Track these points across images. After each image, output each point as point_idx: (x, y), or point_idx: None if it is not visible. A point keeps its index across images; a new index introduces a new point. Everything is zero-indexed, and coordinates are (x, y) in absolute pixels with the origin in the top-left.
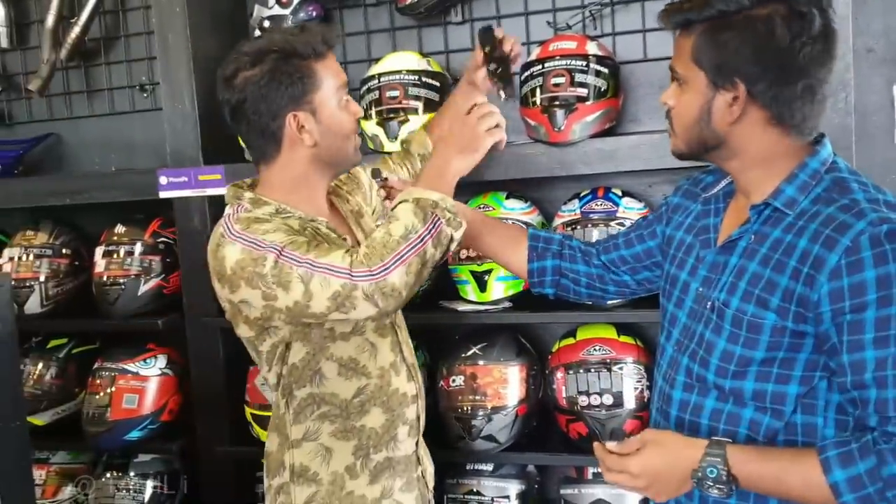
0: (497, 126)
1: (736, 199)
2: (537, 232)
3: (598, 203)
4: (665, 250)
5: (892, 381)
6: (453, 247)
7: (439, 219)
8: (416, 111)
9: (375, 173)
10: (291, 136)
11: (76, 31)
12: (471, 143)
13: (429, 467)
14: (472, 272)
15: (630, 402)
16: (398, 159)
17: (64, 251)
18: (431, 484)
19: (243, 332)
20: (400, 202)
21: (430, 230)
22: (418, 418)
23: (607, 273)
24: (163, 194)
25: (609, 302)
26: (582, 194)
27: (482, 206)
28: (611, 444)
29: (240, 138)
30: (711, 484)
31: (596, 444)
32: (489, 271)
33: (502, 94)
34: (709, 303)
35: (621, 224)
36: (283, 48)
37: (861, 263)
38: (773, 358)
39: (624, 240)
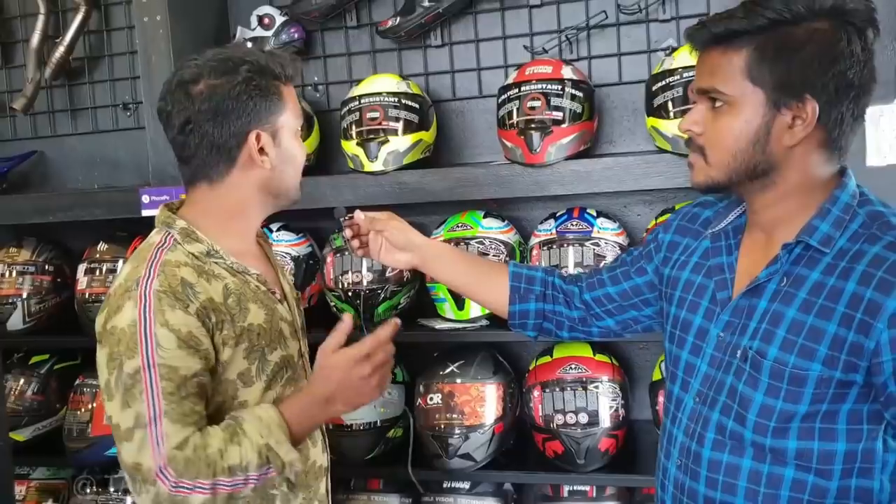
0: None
1: (750, 235)
2: (519, 270)
3: (574, 223)
4: (666, 291)
5: None
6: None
7: (271, 468)
8: (395, 132)
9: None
10: (249, 155)
11: (61, 50)
12: (357, 399)
13: None
14: (451, 290)
15: (605, 421)
16: None
17: (47, 268)
18: None
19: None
20: (260, 422)
21: (259, 478)
22: (327, 493)
23: (589, 316)
24: (145, 213)
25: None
26: (558, 214)
27: (459, 224)
28: None
29: (174, 151)
30: None
31: None
32: None
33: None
34: (739, 351)
35: (596, 244)
36: (256, 62)
37: None
38: (815, 412)
39: (609, 276)
